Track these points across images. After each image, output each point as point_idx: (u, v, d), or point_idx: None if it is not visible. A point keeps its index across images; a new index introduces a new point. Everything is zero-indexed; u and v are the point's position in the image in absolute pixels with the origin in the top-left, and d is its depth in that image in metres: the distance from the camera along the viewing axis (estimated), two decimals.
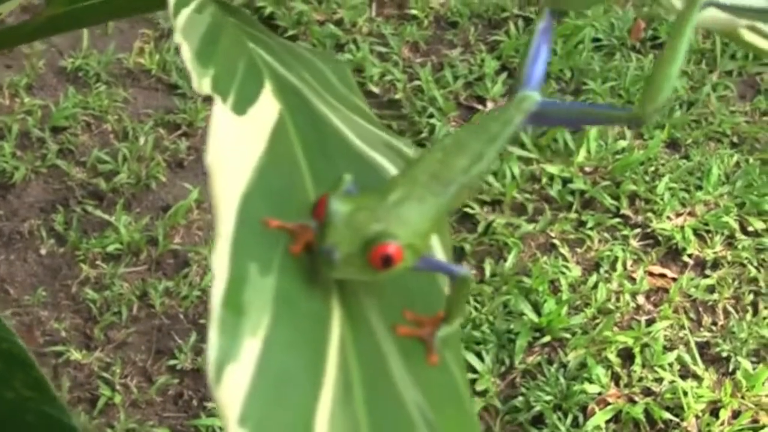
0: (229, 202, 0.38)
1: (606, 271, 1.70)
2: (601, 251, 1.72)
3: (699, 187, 1.83)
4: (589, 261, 1.72)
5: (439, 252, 0.46)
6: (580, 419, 1.52)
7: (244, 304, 0.36)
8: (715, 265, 1.73)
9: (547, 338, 1.60)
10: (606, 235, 1.75)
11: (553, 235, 1.74)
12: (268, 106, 0.46)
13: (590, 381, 1.54)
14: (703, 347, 1.62)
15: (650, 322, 1.64)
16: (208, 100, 0.43)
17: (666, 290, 1.69)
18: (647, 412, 1.52)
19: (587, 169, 1.84)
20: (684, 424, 1.51)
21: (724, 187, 1.83)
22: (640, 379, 1.56)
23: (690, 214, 1.79)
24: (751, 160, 1.89)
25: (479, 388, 1.54)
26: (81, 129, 1.86)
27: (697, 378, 1.57)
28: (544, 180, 1.82)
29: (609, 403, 1.53)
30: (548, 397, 1.52)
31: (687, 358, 1.59)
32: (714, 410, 1.54)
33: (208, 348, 0.34)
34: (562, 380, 1.54)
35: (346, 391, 0.37)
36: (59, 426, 0.53)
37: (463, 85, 1.97)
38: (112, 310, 1.61)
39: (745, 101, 2.03)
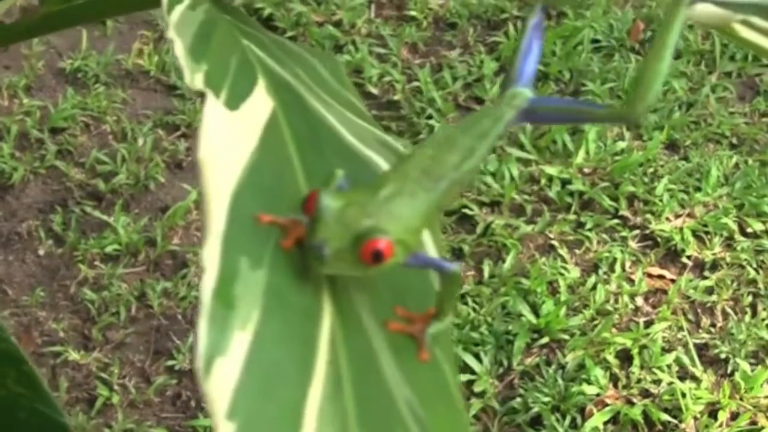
0: (221, 197, 0.38)
1: (604, 273, 1.70)
2: (599, 252, 1.72)
3: (698, 189, 1.83)
4: (587, 262, 1.72)
5: (430, 248, 0.46)
6: (578, 420, 1.51)
7: (235, 298, 0.36)
8: (714, 266, 1.73)
9: (545, 339, 1.60)
10: (605, 236, 1.75)
11: (551, 236, 1.74)
12: (260, 102, 0.46)
13: (588, 382, 1.54)
14: (702, 349, 1.62)
15: (649, 324, 1.63)
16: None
17: (665, 291, 1.69)
18: (645, 414, 1.52)
19: (586, 170, 1.84)
20: (682, 425, 1.51)
21: (723, 188, 1.83)
22: (639, 381, 1.55)
23: (689, 215, 1.79)
24: (750, 162, 1.89)
25: (477, 389, 1.54)
26: (80, 130, 1.86)
27: (696, 379, 1.57)
28: (543, 181, 1.82)
29: (607, 405, 1.53)
30: (546, 399, 1.52)
31: (685, 359, 1.59)
32: (712, 412, 1.53)
33: (197, 341, 0.34)
34: (560, 381, 1.54)
35: (336, 386, 0.36)
36: (51, 423, 0.53)
37: (462, 86, 1.97)
38: (111, 310, 1.61)
39: (744, 102, 2.03)
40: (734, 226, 1.77)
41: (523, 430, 1.50)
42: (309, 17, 2.06)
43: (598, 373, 1.55)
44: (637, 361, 1.57)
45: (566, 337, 1.60)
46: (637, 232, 1.76)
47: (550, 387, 1.53)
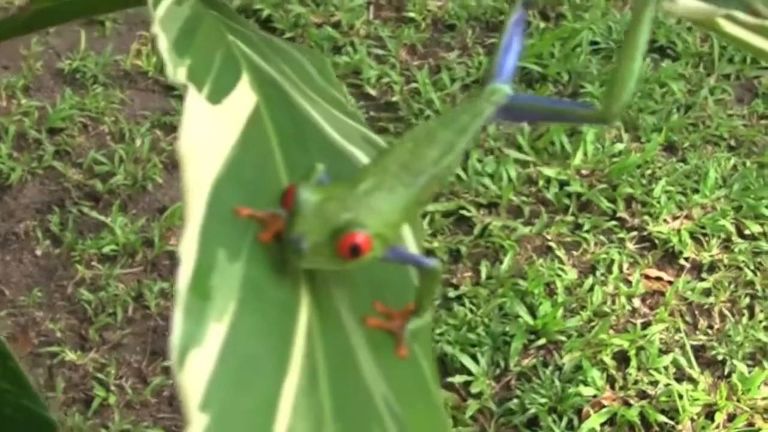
0: (200, 190, 0.38)
1: (602, 274, 1.70)
2: (597, 254, 1.72)
3: (696, 191, 1.82)
4: (585, 264, 1.72)
5: (411, 244, 0.46)
6: (575, 422, 1.51)
7: (211, 289, 0.36)
8: (712, 268, 1.73)
9: (542, 341, 1.59)
10: (602, 237, 1.75)
11: (549, 237, 1.74)
12: (244, 97, 0.46)
13: (585, 384, 1.54)
14: (699, 350, 1.62)
15: (646, 325, 1.63)
16: None
17: (662, 293, 1.69)
18: (642, 415, 1.52)
19: (584, 172, 1.84)
20: (679, 427, 1.51)
21: (721, 190, 1.83)
22: (636, 382, 1.55)
23: (687, 217, 1.79)
24: (748, 164, 1.89)
25: (474, 390, 1.54)
26: (78, 130, 1.86)
27: (693, 381, 1.57)
28: (541, 183, 1.81)
29: (604, 406, 1.53)
30: (543, 400, 1.52)
31: (682, 361, 1.59)
32: (709, 413, 1.53)
33: (172, 332, 0.34)
34: (557, 383, 1.54)
35: (311, 380, 0.36)
36: (37, 419, 0.53)
37: (460, 88, 1.97)
38: (108, 311, 1.61)
39: (742, 105, 2.03)
40: (732, 228, 1.77)
41: (519, 431, 1.50)
42: (308, 18, 2.06)
43: (595, 374, 1.55)
44: (634, 363, 1.57)
45: (563, 338, 1.60)
46: (634, 233, 1.76)
47: (547, 388, 1.53)
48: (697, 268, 1.73)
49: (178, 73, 0.42)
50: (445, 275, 1.68)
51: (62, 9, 0.67)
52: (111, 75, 1.96)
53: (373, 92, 1.96)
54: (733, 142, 1.94)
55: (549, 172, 1.82)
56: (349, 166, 0.48)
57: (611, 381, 1.56)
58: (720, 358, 1.60)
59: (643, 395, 1.55)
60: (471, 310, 1.62)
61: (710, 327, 1.65)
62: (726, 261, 1.73)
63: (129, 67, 1.98)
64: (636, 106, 1.96)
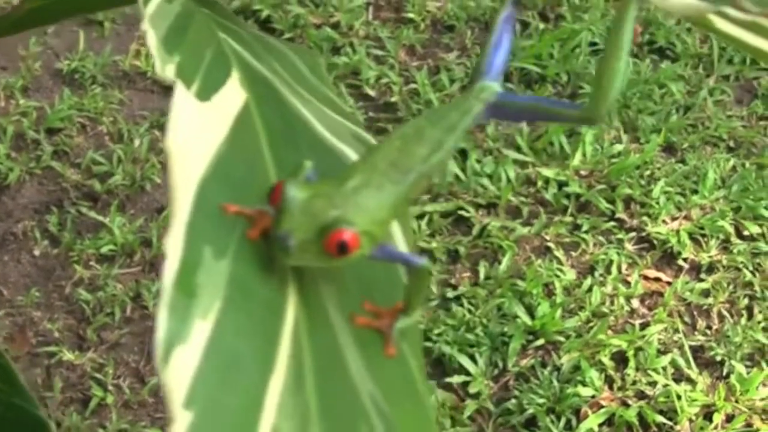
0: (187, 187, 0.38)
1: (600, 275, 1.69)
2: (595, 255, 1.72)
3: (695, 191, 1.82)
4: (583, 264, 1.72)
5: (400, 242, 0.45)
6: (573, 422, 1.51)
7: (197, 286, 0.35)
8: (710, 269, 1.73)
9: (540, 341, 1.59)
10: (601, 238, 1.75)
11: (547, 238, 1.74)
12: (233, 95, 0.45)
13: (584, 384, 1.54)
14: (698, 351, 1.62)
15: (644, 326, 1.63)
16: None
17: (661, 294, 1.69)
18: (641, 416, 1.52)
19: (583, 172, 1.83)
20: (677, 427, 1.51)
21: (719, 191, 1.82)
22: (634, 383, 1.55)
23: (685, 218, 1.79)
24: (747, 165, 1.89)
25: (472, 390, 1.53)
26: (76, 131, 1.86)
27: (691, 382, 1.56)
28: (540, 183, 1.81)
29: (602, 407, 1.52)
30: (541, 400, 1.51)
31: (681, 361, 1.58)
32: (707, 414, 1.53)
33: (156, 329, 0.33)
34: (555, 383, 1.54)
35: (298, 379, 0.36)
36: (28, 417, 0.53)
37: (459, 89, 1.97)
38: (106, 311, 1.61)
39: (741, 106, 2.03)
40: (731, 229, 1.76)
41: (517, 431, 1.50)
42: (307, 19, 2.06)
43: (594, 374, 1.54)
44: (632, 363, 1.57)
45: (561, 338, 1.59)
46: (633, 234, 1.76)
47: (545, 389, 1.53)
48: (695, 269, 1.73)
49: (166, 69, 0.42)
50: (443, 275, 1.68)
51: (55, 7, 0.66)
52: (110, 75, 1.96)
53: (372, 93, 1.95)
54: (732, 143, 1.94)
55: (548, 172, 1.81)
56: (339, 164, 0.48)
57: (609, 381, 1.56)
58: (718, 358, 1.60)
59: (641, 396, 1.54)
60: (469, 311, 1.62)
61: (709, 328, 1.65)
62: (725, 262, 1.72)
63: (128, 67, 1.98)
64: (635, 107, 1.95)
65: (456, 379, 1.54)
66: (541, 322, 1.60)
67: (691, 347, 1.61)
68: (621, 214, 1.78)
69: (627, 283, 1.69)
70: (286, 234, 0.39)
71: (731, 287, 1.69)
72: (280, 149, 0.45)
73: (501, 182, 1.80)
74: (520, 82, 1.99)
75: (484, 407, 1.52)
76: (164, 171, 1.80)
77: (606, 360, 1.57)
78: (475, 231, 1.74)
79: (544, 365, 1.57)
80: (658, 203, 1.79)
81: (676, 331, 1.63)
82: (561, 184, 1.81)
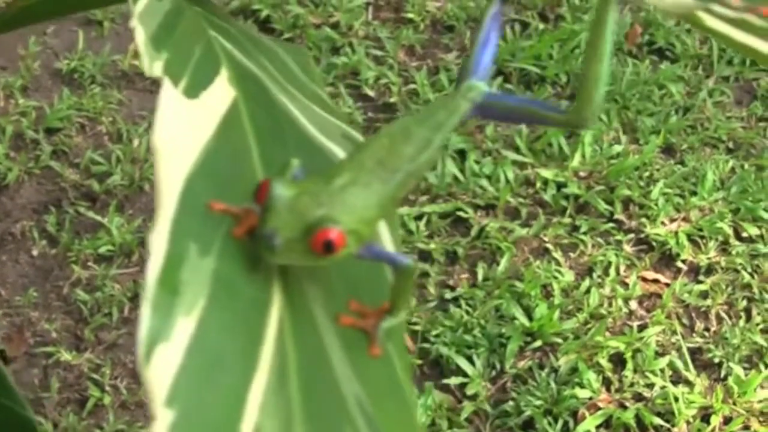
0: (172, 183, 0.38)
1: (599, 276, 1.69)
2: (594, 256, 1.71)
3: (694, 193, 1.82)
4: (582, 266, 1.71)
5: (387, 242, 0.45)
6: (571, 424, 1.51)
7: (180, 283, 0.35)
8: (709, 270, 1.72)
9: (538, 343, 1.59)
10: (599, 240, 1.75)
11: (546, 239, 1.74)
12: (221, 92, 0.45)
13: (581, 386, 1.53)
14: (696, 353, 1.61)
15: (642, 328, 1.63)
16: None
17: (659, 296, 1.68)
18: (638, 418, 1.51)
19: (582, 173, 1.83)
20: (675, 429, 1.50)
21: (718, 192, 1.82)
22: (632, 385, 1.55)
23: (684, 219, 1.79)
24: (746, 166, 1.88)
25: (470, 392, 1.53)
26: (75, 131, 1.86)
27: (689, 384, 1.56)
28: (539, 184, 1.81)
29: (600, 408, 1.52)
30: (539, 402, 1.51)
31: (679, 363, 1.58)
32: (705, 416, 1.53)
33: (139, 326, 0.33)
34: (552, 385, 1.53)
35: (281, 378, 0.36)
36: (16, 418, 0.52)
37: None
38: (103, 311, 1.61)
39: (741, 107, 2.02)
40: (729, 231, 1.76)
41: None
42: (306, 19, 2.06)
43: (591, 376, 1.54)
44: (630, 365, 1.57)
45: (559, 340, 1.59)
46: (632, 235, 1.76)
47: (542, 390, 1.53)
48: (694, 271, 1.73)
49: (154, 66, 0.42)
50: (441, 276, 1.68)
51: (48, 5, 0.66)
52: (109, 75, 1.96)
53: (371, 93, 1.95)
54: (731, 145, 1.94)
55: (546, 173, 1.81)
56: (328, 162, 0.48)
57: (607, 383, 1.55)
58: (716, 360, 1.59)
59: (638, 398, 1.54)
60: (467, 312, 1.61)
61: (707, 329, 1.65)
62: (723, 263, 1.72)
63: (127, 67, 1.98)
64: (634, 107, 1.95)
65: (453, 381, 1.54)
66: (539, 324, 1.59)
67: (689, 349, 1.61)
68: (620, 216, 1.78)
69: (625, 285, 1.68)
70: (271, 232, 0.38)
71: (730, 289, 1.69)
72: (268, 147, 0.44)
73: (500, 183, 1.79)
74: (520, 82, 1.99)
75: (481, 409, 1.52)
76: None
77: (604, 362, 1.56)
78: (473, 232, 1.73)
79: (541, 367, 1.57)
80: (656, 204, 1.78)
81: (674, 332, 1.63)
82: (560, 185, 1.81)
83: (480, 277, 1.67)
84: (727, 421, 1.52)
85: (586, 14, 2.11)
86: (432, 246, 1.71)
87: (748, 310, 1.67)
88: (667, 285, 1.69)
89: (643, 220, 1.77)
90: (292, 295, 0.39)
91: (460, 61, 2.04)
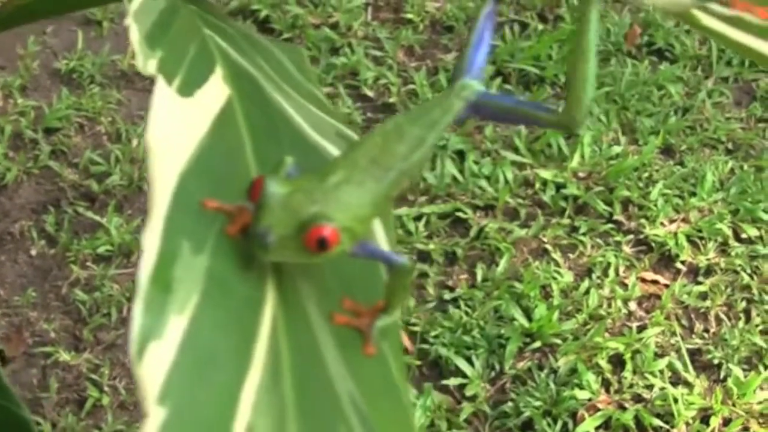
0: (166, 181, 0.38)
1: (598, 277, 1.69)
2: (593, 257, 1.71)
3: (693, 194, 1.82)
4: (581, 267, 1.71)
5: (382, 241, 0.45)
6: (570, 425, 1.51)
7: (173, 281, 0.35)
8: (708, 271, 1.72)
9: (537, 344, 1.59)
10: (599, 240, 1.74)
11: (545, 240, 1.74)
12: (216, 91, 0.45)
13: (580, 387, 1.53)
14: (695, 354, 1.61)
15: (642, 329, 1.63)
16: None
17: (658, 297, 1.68)
18: (637, 419, 1.51)
19: (581, 174, 1.83)
20: (674, 431, 1.50)
21: (718, 193, 1.82)
22: (631, 386, 1.55)
23: (683, 220, 1.78)
24: (745, 167, 1.88)
25: (469, 393, 1.53)
26: (74, 130, 1.86)
27: (688, 385, 1.56)
28: (538, 185, 1.81)
29: (599, 410, 1.52)
30: (538, 403, 1.51)
31: (678, 364, 1.58)
32: (704, 417, 1.53)
33: (131, 324, 0.33)
34: (552, 386, 1.53)
35: (275, 377, 0.36)
36: (11, 417, 0.52)
37: None
38: (102, 311, 1.61)
39: (740, 108, 2.02)
40: (729, 232, 1.76)
41: None
42: (305, 19, 2.06)
43: (590, 377, 1.54)
44: (629, 366, 1.56)
45: (559, 341, 1.59)
46: (631, 236, 1.76)
47: (541, 391, 1.53)
48: (693, 272, 1.73)
49: (148, 64, 0.42)
50: (440, 277, 1.68)
51: (44, 4, 0.66)
52: (108, 75, 1.96)
53: (370, 93, 1.95)
54: (730, 146, 1.94)
55: (546, 174, 1.81)
56: (322, 161, 0.47)
57: (606, 384, 1.55)
58: (716, 362, 1.59)
59: (638, 399, 1.54)
60: (466, 313, 1.61)
61: (706, 331, 1.65)
62: (723, 265, 1.72)
63: (126, 67, 1.98)
64: (633, 108, 1.95)
65: (452, 382, 1.54)
66: (538, 325, 1.59)
67: (688, 350, 1.60)
68: (619, 217, 1.78)
69: (624, 286, 1.68)
70: (265, 229, 0.38)
71: (729, 290, 1.69)
72: (263, 145, 0.44)
73: (499, 184, 1.79)
74: (519, 83, 1.99)
75: (480, 410, 1.52)
76: None
77: (603, 363, 1.56)
78: (472, 233, 1.73)
79: (540, 368, 1.57)
80: (656, 205, 1.78)
81: (674, 334, 1.62)
82: (559, 186, 1.81)
83: (479, 277, 1.67)
84: (727, 422, 1.52)
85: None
86: (431, 246, 1.70)
87: (747, 312, 1.67)
88: (667, 286, 1.69)
89: (643, 221, 1.77)
90: (285, 293, 0.39)
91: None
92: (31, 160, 1.80)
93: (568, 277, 1.68)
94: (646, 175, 1.84)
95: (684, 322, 1.66)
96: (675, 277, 1.71)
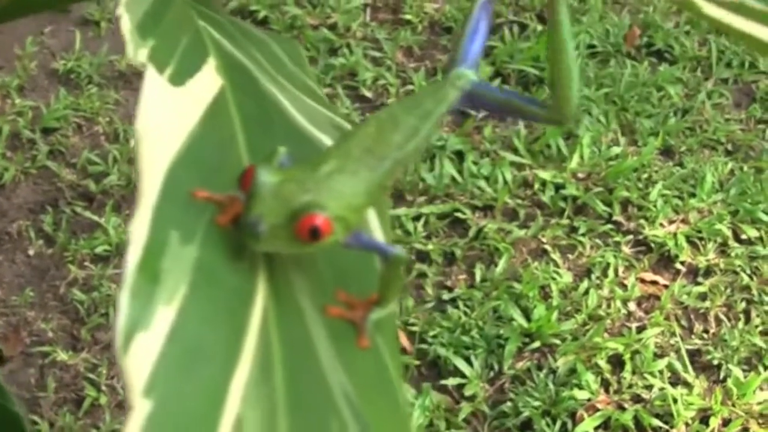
0: (155, 171, 0.37)
1: (597, 278, 1.68)
2: (592, 257, 1.71)
3: (692, 195, 1.81)
4: (580, 267, 1.71)
5: (377, 232, 0.44)
6: (569, 425, 1.50)
7: (161, 272, 0.34)
8: (708, 272, 1.71)
9: (536, 344, 1.58)
10: (598, 241, 1.74)
11: (544, 240, 1.73)
12: (208, 81, 0.45)
13: (579, 387, 1.53)
14: (694, 355, 1.61)
15: (641, 329, 1.62)
16: None
17: (657, 297, 1.67)
18: (636, 419, 1.50)
19: (580, 175, 1.82)
20: (673, 431, 1.49)
21: (717, 194, 1.81)
22: (630, 386, 1.54)
23: (683, 221, 1.78)
24: (745, 168, 1.88)
25: (468, 393, 1.52)
26: (72, 130, 1.85)
27: (688, 385, 1.55)
28: (537, 186, 1.80)
29: (598, 410, 1.51)
30: (537, 403, 1.50)
31: (678, 365, 1.57)
32: (704, 418, 1.52)
33: (117, 315, 0.32)
34: (551, 386, 1.53)
35: (265, 369, 0.35)
36: (4, 413, 0.52)
37: None
38: (100, 311, 1.60)
39: (740, 109, 2.02)
40: (728, 233, 1.75)
41: None
42: (304, 20, 2.06)
43: (590, 378, 1.53)
44: (628, 367, 1.56)
45: (558, 341, 1.58)
46: (630, 237, 1.75)
47: (540, 391, 1.52)
48: (693, 273, 1.72)
49: (138, 53, 0.41)
50: (439, 277, 1.67)
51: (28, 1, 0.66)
52: (106, 75, 1.96)
53: (368, 94, 1.95)
54: (730, 147, 1.93)
55: (545, 175, 1.81)
56: (316, 151, 0.47)
57: (605, 385, 1.55)
58: (715, 362, 1.59)
59: (637, 399, 1.53)
60: (465, 313, 1.61)
61: (706, 331, 1.64)
62: (722, 265, 1.71)
63: (124, 67, 1.97)
64: (633, 109, 1.95)
65: (451, 382, 1.53)
66: (537, 325, 1.59)
67: (687, 351, 1.60)
68: (618, 217, 1.77)
69: (624, 286, 1.68)
70: (256, 219, 0.38)
71: (728, 291, 1.68)
72: (255, 136, 0.44)
73: (498, 184, 1.79)
74: (518, 84, 1.98)
75: (479, 410, 1.51)
76: None
77: (602, 363, 1.56)
78: (471, 233, 1.73)
79: (539, 368, 1.56)
80: (655, 206, 1.78)
81: (673, 334, 1.62)
82: (558, 187, 1.80)
83: (478, 278, 1.66)
84: (726, 423, 1.51)
85: (584, 15, 2.11)
86: (430, 247, 1.70)
87: (747, 312, 1.66)
88: (666, 286, 1.69)
89: (642, 221, 1.76)
90: (277, 285, 0.39)
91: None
92: (28, 160, 1.79)
93: (567, 278, 1.67)
94: (645, 175, 1.84)
95: (683, 322, 1.65)
96: (674, 277, 1.71)
